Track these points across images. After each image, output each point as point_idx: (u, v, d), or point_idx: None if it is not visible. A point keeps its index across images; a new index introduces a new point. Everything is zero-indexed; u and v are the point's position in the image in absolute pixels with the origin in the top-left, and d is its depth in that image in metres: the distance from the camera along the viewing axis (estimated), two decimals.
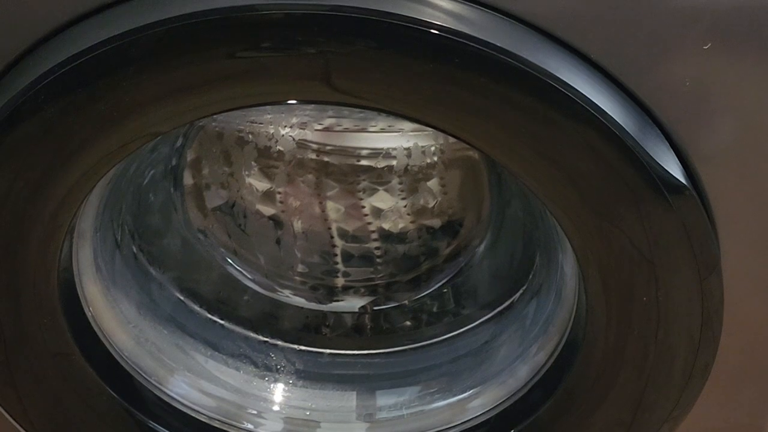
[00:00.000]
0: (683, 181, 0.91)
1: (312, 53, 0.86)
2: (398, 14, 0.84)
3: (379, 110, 0.93)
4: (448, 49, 0.85)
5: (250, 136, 1.17)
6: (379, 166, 1.19)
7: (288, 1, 0.85)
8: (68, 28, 0.88)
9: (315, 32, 0.85)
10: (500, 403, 1.10)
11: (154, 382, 1.11)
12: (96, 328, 1.07)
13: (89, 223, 1.06)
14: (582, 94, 0.87)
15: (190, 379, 1.14)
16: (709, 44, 0.87)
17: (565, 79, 0.86)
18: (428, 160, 1.19)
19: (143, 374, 1.10)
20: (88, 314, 1.06)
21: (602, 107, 0.87)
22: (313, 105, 1.10)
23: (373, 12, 0.84)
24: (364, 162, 1.19)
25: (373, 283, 1.25)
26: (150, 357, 1.12)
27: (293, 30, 0.85)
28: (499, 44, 0.85)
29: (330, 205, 1.22)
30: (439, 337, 1.20)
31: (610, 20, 0.87)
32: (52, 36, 0.89)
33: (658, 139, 0.91)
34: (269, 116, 1.14)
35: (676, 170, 0.91)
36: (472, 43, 0.84)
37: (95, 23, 0.87)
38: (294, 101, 0.93)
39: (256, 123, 1.16)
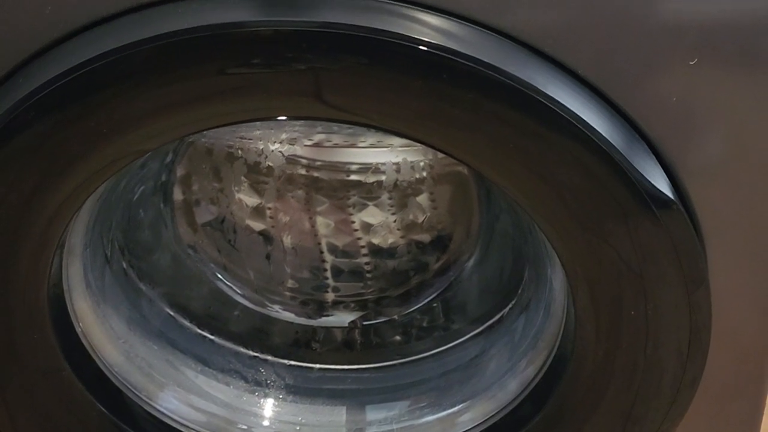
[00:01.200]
0: (671, 196, 0.92)
1: (302, 69, 0.86)
2: (387, 30, 0.84)
3: (369, 126, 0.94)
4: (437, 65, 0.85)
5: (240, 151, 1.17)
6: (368, 181, 1.20)
7: (278, 18, 0.85)
8: (61, 43, 0.88)
9: (305, 48, 0.85)
10: (490, 418, 1.11)
11: (144, 398, 1.11)
12: (86, 344, 1.07)
13: (79, 239, 1.06)
14: (570, 109, 0.87)
15: (180, 394, 1.14)
16: (696, 60, 0.88)
17: (552, 95, 0.87)
18: (417, 175, 1.19)
19: (133, 389, 1.10)
20: (78, 330, 1.06)
21: (590, 122, 0.88)
22: (302, 121, 1.11)
23: (363, 29, 0.84)
24: (353, 177, 1.20)
25: (363, 298, 1.25)
26: (140, 372, 1.12)
27: (283, 46, 0.86)
28: (487, 60, 0.85)
29: (320, 220, 1.23)
30: (429, 351, 1.20)
31: (598, 36, 0.88)
32: (44, 51, 0.89)
33: (646, 154, 0.92)
34: (259, 132, 1.15)
35: (663, 185, 0.92)
36: (460, 59, 0.85)
37: (87, 39, 0.88)
38: (284, 117, 0.94)
39: (245, 139, 1.16)
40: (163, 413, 1.11)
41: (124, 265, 1.16)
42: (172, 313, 1.19)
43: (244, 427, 1.15)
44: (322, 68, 0.87)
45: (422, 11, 0.86)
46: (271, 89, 0.88)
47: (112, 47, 0.86)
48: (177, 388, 1.14)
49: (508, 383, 1.11)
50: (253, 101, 0.90)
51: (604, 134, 0.88)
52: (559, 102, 0.87)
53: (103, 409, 1.07)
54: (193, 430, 1.13)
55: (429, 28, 0.86)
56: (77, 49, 0.87)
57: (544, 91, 0.87)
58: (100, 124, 0.90)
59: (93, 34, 0.88)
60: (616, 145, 0.89)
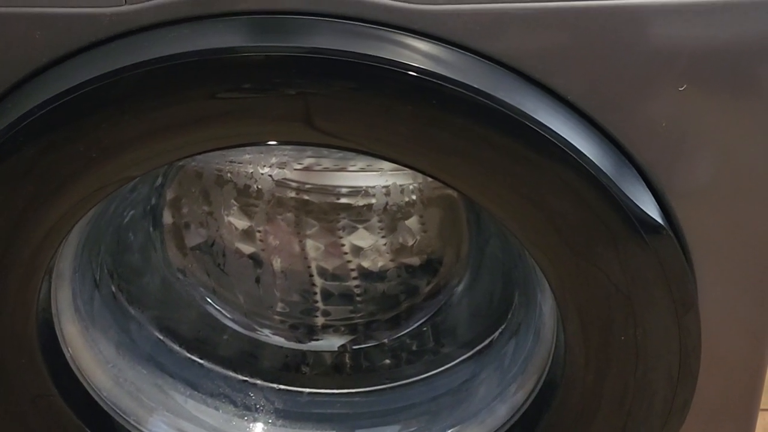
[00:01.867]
0: (660, 220, 0.92)
1: (292, 94, 0.87)
2: (376, 56, 0.85)
3: (359, 151, 0.94)
4: (426, 91, 0.86)
5: (230, 175, 1.17)
6: (358, 205, 1.20)
7: (268, 43, 0.86)
8: (51, 68, 0.89)
9: (295, 74, 0.86)
10: None
11: (133, 422, 1.10)
12: (74, 369, 1.07)
13: (68, 263, 1.06)
14: (559, 135, 0.87)
15: (170, 418, 1.13)
16: (685, 86, 0.88)
17: (542, 120, 0.87)
18: (407, 199, 1.19)
19: (122, 414, 1.10)
20: (67, 355, 1.06)
21: (579, 148, 0.88)
22: (293, 145, 1.11)
23: (352, 54, 0.85)
24: (343, 200, 1.20)
25: (353, 321, 1.25)
26: (129, 397, 1.12)
27: (273, 71, 0.86)
28: (476, 86, 0.86)
29: (309, 243, 1.23)
30: (419, 376, 1.20)
31: (587, 61, 0.88)
32: (33, 76, 0.89)
33: (635, 179, 0.92)
34: (248, 156, 1.15)
35: (652, 210, 0.92)
36: (449, 85, 0.85)
37: (76, 64, 0.88)
38: (274, 142, 0.93)
39: (235, 162, 1.16)
40: None
41: (113, 288, 1.16)
42: (161, 337, 1.18)
43: None
44: (312, 93, 0.87)
45: (411, 37, 0.86)
46: (261, 114, 0.89)
47: (101, 72, 0.86)
48: (166, 413, 1.14)
49: (497, 408, 1.11)
50: (243, 126, 0.90)
51: (593, 160, 0.89)
52: (548, 128, 0.87)
53: None
54: None
55: (418, 54, 0.86)
56: (67, 74, 0.88)
57: (533, 116, 0.87)
58: (89, 149, 0.90)
59: (83, 58, 0.88)
60: (605, 171, 0.89)
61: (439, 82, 0.86)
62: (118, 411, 1.10)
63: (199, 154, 0.97)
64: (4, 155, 0.90)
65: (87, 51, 0.88)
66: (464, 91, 0.86)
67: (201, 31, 0.86)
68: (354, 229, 1.22)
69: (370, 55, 0.85)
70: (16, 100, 0.90)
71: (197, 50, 0.85)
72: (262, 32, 0.86)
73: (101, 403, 1.09)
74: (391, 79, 0.86)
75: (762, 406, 1.10)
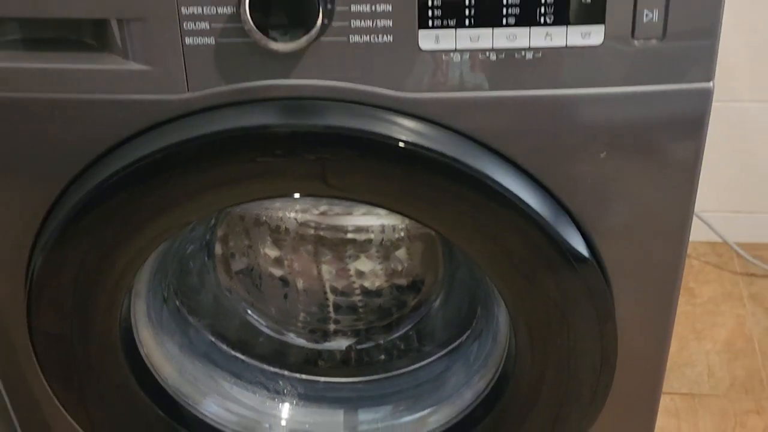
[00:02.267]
0: (586, 254, 0.91)
1: (312, 159, 0.86)
2: (375, 132, 0.85)
3: (361, 201, 0.93)
4: (412, 157, 0.85)
5: (265, 218, 1.17)
6: (361, 240, 1.19)
7: (293, 122, 0.85)
8: (131, 140, 0.88)
9: (314, 144, 0.86)
10: (451, 419, 1.10)
11: (191, 404, 1.10)
12: (148, 364, 1.07)
13: (143, 285, 1.05)
14: (510, 190, 0.87)
15: (218, 400, 1.13)
16: (605, 153, 0.88)
17: (498, 179, 0.87)
18: (397, 236, 1.19)
19: (183, 397, 1.10)
20: (142, 353, 1.06)
21: (525, 199, 0.88)
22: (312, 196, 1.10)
23: (356, 130, 0.85)
24: (350, 236, 1.19)
25: (357, 327, 1.24)
26: (188, 384, 1.11)
27: (297, 142, 0.86)
28: (448, 153, 0.86)
29: (324, 268, 1.22)
30: (406, 368, 1.20)
31: (531, 135, 0.87)
32: (118, 146, 0.88)
33: (567, 222, 0.91)
34: (279, 204, 1.14)
35: (580, 246, 0.91)
36: (429, 153, 0.85)
37: (150, 137, 0.87)
38: (298, 195, 0.93)
39: (269, 209, 1.16)
40: (205, 415, 1.11)
41: (177, 303, 1.15)
42: (212, 339, 1.18)
43: (267, 425, 1.15)
44: (327, 159, 0.87)
45: (401, 116, 0.85)
46: (288, 174, 0.88)
47: (170, 142, 0.86)
48: (216, 396, 1.13)
49: (464, 393, 1.11)
50: (275, 182, 0.89)
51: (535, 208, 0.88)
52: (502, 185, 0.87)
53: (161, 412, 1.07)
54: (228, 428, 1.12)
55: (406, 129, 0.85)
56: (143, 144, 0.87)
57: (491, 176, 0.86)
58: (160, 200, 0.90)
59: (156, 132, 0.87)
60: (544, 216, 0.89)
61: (421, 150, 0.85)
62: (179, 395, 1.10)
63: (242, 203, 0.95)
64: (96, 204, 0.89)
65: (159, 126, 0.87)
66: (440, 157, 0.85)
67: (243, 113, 0.85)
68: (357, 257, 1.21)
69: (369, 131, 0.85)
70: (106, 163, 0.89)
71: (241, 127, 0.85)
72: (288, 113, 0.85)
73: (167, 389, 1.09)
74: (386, 148, 0.85)
75: (664, 390, 1.09)
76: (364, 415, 1.16)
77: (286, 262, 1.22)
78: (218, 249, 1.20)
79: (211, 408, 1.11)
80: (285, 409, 1.17)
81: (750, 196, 1.77)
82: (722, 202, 1.77)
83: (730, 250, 1.80)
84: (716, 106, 0.86)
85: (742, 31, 1.58)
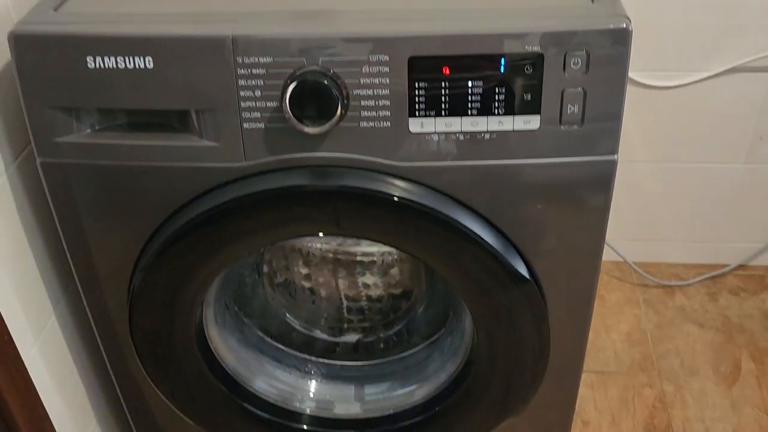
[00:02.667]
0: (527, 275, 0.91)
1: (330, 209, 0.86)
2: (374, 189, 0.85)
3: (366, 238, 0.93)
4: (402, 207, 0.85)
5: (298, 246, 1.16)
6: (366, 261, 1.18)
7: (318, 183, 0.85)
8: (201, 196, 0.88)
9: (331, 198, 0.86)
10: (431, 393, 1.09)
11: (246, 382, 1.09)
12: (216, 354, 1.06)
13: (212, 297, 1.05)
14: (471, 229, 0.87)
15: (265, 380, 1.12)
16: (540, 205, 0.88)
17: (463, 222, 0.87)
18: (392, 259, 1.18)
19: (241, 377, 1.09)
20: (211, 347, 1.05)
21: (482, 235, 0.88)
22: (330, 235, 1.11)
23: (362, 188, 0.84)
24: (359, 258, 1.18)
25: (364, 325, 1.23)
26: (244, 368, 1.10)
27: (320, 197, 0.86)
28: (429, 205, 0.86)
29: (340, 282, 1.21)
30: (398, 355, 1.19)
31: (488, 190, 0.87)
32: (192, 201, 0.88)
33: (513, 252, 0.91)
34: (308, 238, 1.14)
35: (522, 269, 0.91)
36: (415, 204, 0.85)
37: (216, 194, 0.87)
38: (321, 234, 0.92)
39: (301, 241, 1.15)
40: (256, 390, 1.10)
41: (236, 309, 1.14)
42: (261, 334, 1.17)
43: (299, 396, 1.14)
44: (340, 208, 0.86)
45: (396, 178, 0.85)
46: (314, 219, 0.88)
47: (231, 197, 0.86)
48: (263, 376, 1.12)
49: (440, 375, 1.10)
50: (305, 225, 0.89)
51: (490, 242, 0.88)
52: (466, 226, 0.87)
53: (224, 388, 1.07)
54: (271, 398, 1.11)
55: (397, 187, 0.85)
56: (210, 200, 0.87)
57: (458, 220, 0.86)
58: (224, 238, 0.90)
59: (220, 190, 0.87)
60: (497, 248, 0.88)
61: (409, 203, 0.85)
62: (237, 376, 1.09)
63: (283, 240, 0.95)
64: (179, 239, 0.89)
65: (224, 186, 0.87)
66: (422, 207, 0.85)
67: (284, 176, 0.85)
68: (364, 274, 1.20)
69: (372, 189, 0.85)
70: (186, 210, 0.88)
71: (282, 186, 0.85)
72: (315, 176, 0.85)
73: (228, 371, 1.08)
74: (384, 201, 0.85)
75: (585, 369, 1.09)
76: (369, 389, 1.15)
77: (312, 278, 1.21)
78: (265, 269, 1.20)
79: (259, 385, 1.11)
80: (312, 385, 1.16)
81: (643, 229, 1.78)
82: (624, 233, 1.78)
83: (629, 268, 1.80)
84: (620, 167, 0.87)
85: (637, 112, 1.59)
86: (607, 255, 1.78)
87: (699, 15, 1.46)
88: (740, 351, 1.60)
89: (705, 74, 1.53)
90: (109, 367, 1.07)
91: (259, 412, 1.09)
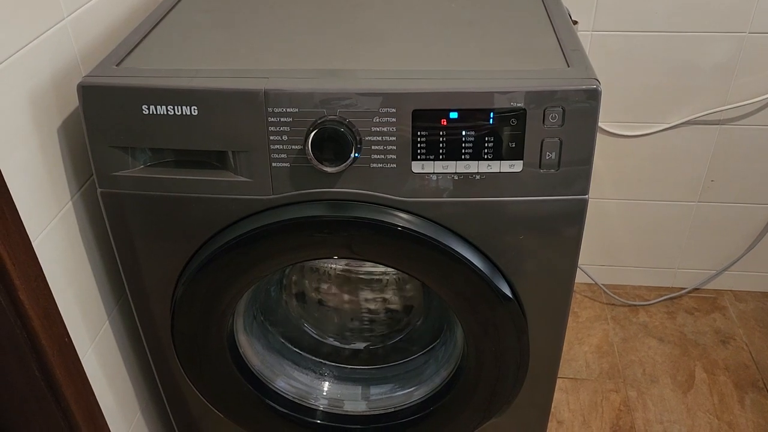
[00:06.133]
0: (510, 294, 0.91)
1: (344, 235, 0.86)
2: (383, 220, 0.85)
3: (373, 260, 0.92)
4: (405, 236, 0.85)
5: (316, 267, 1.16)
6: (373, 279, 1.18)
7: (333, 214, 0.85)
8: (233, 224, 0.88)
9: (344, 227, 0.85)
10: (427, 394, 1.09)
11: (268, 381, 1.08)
12: (243, 357, 1.05)
13: (242, 308, 1.04)
14: (464, 255, 0.87)
15: (285, 380, 1.11)
16: (522, 236, 0.88)
17: (456, 248, 0.87)
18: (395, 278, 1.18)
19: (264, 377, 1.08)
20: (240, 351, 1.04)
21: (473, 261, 0.87)
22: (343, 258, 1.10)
23: (371, 219, 0.84)
24: (365, 277, 1.18)
25: (370, 335, 1.22)
26: (267, 369, 1.09)
27: (335, 225, 0.85)
28: (428, 234, 0.85)
29: (351, 297, 1.20)
30: (400, 361, 1.18)
31: (478, 222, 0.87)
32: (224, 228, 0.88)
33: (500, 275, 0.90)
34: (324, 260, 1.14)
35: (506, 289, 0.91)
36: (415, 233, 0.85)
37: (246, 222, 0.87)
38: (336, 257, 0.91)
39: (318, 262, 1.16)
40: (278, 388, 1.09)
41: (262, 318, 1.14)
42: (282, 341, 1.16)
43: (314, 395, 1.13)
44: (353, 236, 0.86)
45: (400, 211, 0.85)
46: (329, 244, 0.88)
47: (259, 225, 0.86)
48: (284, 377, 1.12)
49: (435, 378, 1.09)
50: (322, 249, 0.89)
51: (478, 265, 0.88)
52: (458, 251, 0.87)
53: (250, 387, 1.06)
54: (290, 395, 1.10)
55: (402, 219, 0.85)
56: (241, 228, 0.87)
57: (451, 246, 0.86)
58: (254, 259, 0.89)
59: (250, 219, 0.87)
60: (484, 271, 0.88)
61: (411, 232, 0.85)
62: (261, 376, 1.08)
63: (303, 261, 0.94)
64: (216, 259, 0.89)
65: (255, 215, 0.87)
66: (423, 236, 0.85)
67: (306, 207, 0.85)
68: (370, 290, 1.19)
69: (380, 220, 0.85)
70: (222, 235, 0.88)
71: (304, 216, 0.85)
72: (332, 208, 0.85)
73: (254, 372, 1.07)
74: (390, 230, 0.85)
75: (558, 376, 1.08)
76: (374, 390, 1.14)
77: (326, 293, 1.20)
78: (287, 285, 1.19)
79: (280, 384, 1.10)
80: (325, 385, 1.15)
81: (611, 255, 1.77)
82: (594, 258, 1.77)
83: (599, 289, 1.80)
84: (591, 203, 0.86)
85: (607, 156, 1.59)
86: (580, 277, 1.79)
87: (660, 76, 1.47)
88: (694, 363, 1.59)
89: (665, 125, 1.54)
90: (153, 366, 1.07)
91: (279, 408, 1.08)
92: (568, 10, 1.01)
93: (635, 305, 1.76)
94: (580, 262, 0.92)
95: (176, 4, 1.04)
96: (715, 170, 1.60)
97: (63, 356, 0.86)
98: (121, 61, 0.85)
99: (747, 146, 1.55)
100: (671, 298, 1.78)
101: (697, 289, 1.80)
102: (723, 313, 1.73)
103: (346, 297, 1.21)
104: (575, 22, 1.37)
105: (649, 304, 1.76)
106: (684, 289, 1.79)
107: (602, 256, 1.77)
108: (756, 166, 1.58)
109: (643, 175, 1.62)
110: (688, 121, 1.53)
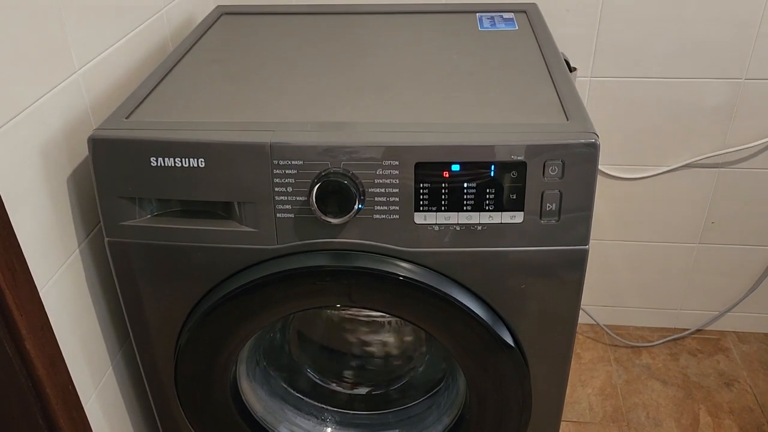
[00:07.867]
0: (511, 343, 0.91)
1: (345, 284, 0.86)
2: (384, 270, 0.85)
3: (373, 309, 0.91)
4: (406, 285, 0.86)
5: (317, 313, 1.16)
6: (374, 323, 1.18)
7: (336, 264, 0.85)
8: (239, 272, 0.88)
9: (346, 276, 0.86)
10: None
11: (272, 427, 1.08)
12: (246, 402, 1.04)
13: (245, 355, 1.04)
14: (465, 304, 0.87)
15: (287, 425, 1.10)
16: (524, 285, 0.88)
17: (458, 297, 0.87)
18: (394, 324, 1.18)
19: (267, 424, 1.07)
20: (243, 397, 1.04)
21: (474, 309, 0.87)
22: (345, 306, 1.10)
23: (373, 269, 0.85)
24: (366, 320, 1.18)
25: (372, 382, 1.21)
26: (269, 415, 1.08)
27: (336, 275, 0.86)
28: (429, 282, 0.86)
29: (353, 342, 1.20)
30: (401, 407, 1.17)
31: (479, 271, 0.87)
32: (231, 276, 0.89)
33: (501, 324, 0.90)
34: (326, 307, 1.14)
35: (507, 338, 0.90)
36: (416, 282, 0.85)
37: (251, 271, 0.87)
38: (338, 305, 0.91)
39: (320, 308, 1.15)
40: None
41: (265, 364, 1.13)
42: (285, 386, 1.15)
43: None
44: (353, 284, 0.86)
45: (401, 261, 0.86)
46: (331, 292, 0.88)
47: (264, 274, 0.86)
48: (286, 423, 1.11)
49: (438, 424, 1.08)
50: (324, 297, 0.89)
51: (480, 315, 0.88)
52: (459, 300, 0.87)
53: None
54: None
55: (403, 269, 0.86)
56: (245, 276, 0.87)
57: (452, 295, 0.86)
58: (258, 307, 0.89)
59: (255, 268, 0.87)
60: (485, 319, 0.88)
61: (412, 281, 0.85)
62: (264, 422, 1.07)
63: (305, 309, 0.94)
64: (220, 307, 0.89)
65: (260, 264, 0.87)
66: (423, 285, 0.85)
67: (309, 257, 0.86)
68: (370, 334, 1.19)
69: (381, 269, 0.85)
70: (227, 284, 0.89)
71: (308, 265, 0.85)
72: (334, 258, 0.86)
73: (256, 418, 1.06)
74: (391, 280, 0.85)
75: (563, 419, 1.07)
76: None
77: (328, 339, 1.20)
78: (289, 331, 1.19)
79: (282, 430, 1.09)
80: (327, 431, 1.14)
81: (613, 297, 1.78)
82: (597, 300, 1.77)
83: (602, 330, 1.79)
84: (593, 244, 0.86)
85: (609, 199, 1.61)
86: (583, 319, 1.79)
87: (659, 120, 1.49)
88: (699, 406, 1.58)
89: (665, 168, 1.56)
90: (155, 412, 1.07)
91: None
92: (566, 57, 1.03)
93: (638, 346, 1.75)
94: (582, 303, 0.91)
95: (184, 56, 1.06)
96: (716, 212, 1.61)
97: (66, 404, 0.87)
98: (131, 113, 0.87)
99: (746, 189, 1.57)
100: (674, 339, 1.77)
101: (700, 330, 1.80)
102: (726, 355, 1.72)
103: (348, 340, 1.21)
104: (574, 69, 1.39)
105: (652, 345, 1.76)
106: (687, 330, 1.79)
107: (604, 296, 1.77)
108: (756, 209, 1.59)
109: (643, 217, 1.63)
110: (688, 164, 1.54)
